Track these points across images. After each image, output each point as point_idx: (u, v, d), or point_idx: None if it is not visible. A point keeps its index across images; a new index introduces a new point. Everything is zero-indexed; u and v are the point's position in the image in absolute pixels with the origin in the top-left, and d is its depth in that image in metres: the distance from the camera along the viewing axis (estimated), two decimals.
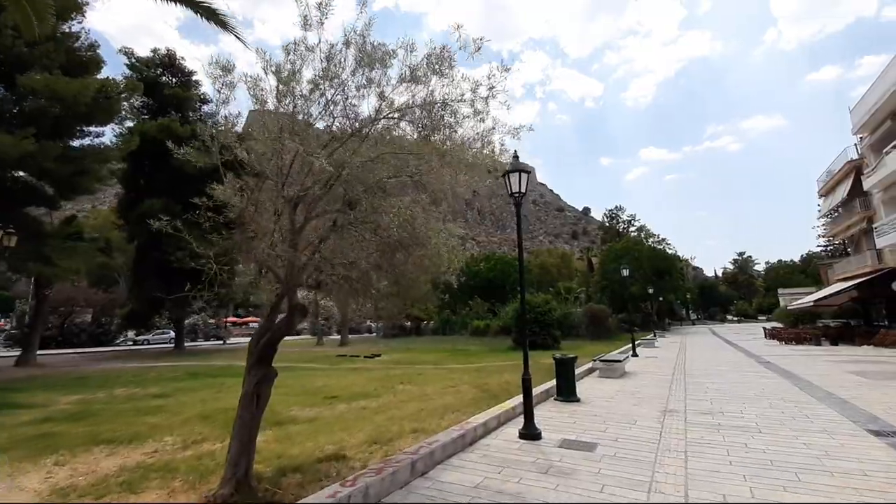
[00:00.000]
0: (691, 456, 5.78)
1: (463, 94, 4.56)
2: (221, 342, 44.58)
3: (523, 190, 7.16)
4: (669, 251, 54.67)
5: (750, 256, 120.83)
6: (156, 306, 29.88)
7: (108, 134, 44.23)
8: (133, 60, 31.07)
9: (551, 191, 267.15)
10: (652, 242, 55.34)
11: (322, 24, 4.32)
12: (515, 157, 6.95)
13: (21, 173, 19.93)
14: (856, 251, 31.58)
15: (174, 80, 32.66)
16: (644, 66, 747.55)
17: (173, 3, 6.60)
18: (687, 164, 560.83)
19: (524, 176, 7.10)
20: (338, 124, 4.67)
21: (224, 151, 4.41)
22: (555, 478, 5.04)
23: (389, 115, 4.55)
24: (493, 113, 4.75)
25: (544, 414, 8.32)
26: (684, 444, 6.36)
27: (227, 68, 4.39)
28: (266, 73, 4.44)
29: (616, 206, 74.21)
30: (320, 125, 4.72)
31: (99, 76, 21.57)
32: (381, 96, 4.47)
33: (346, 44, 4.41)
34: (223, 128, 4.65)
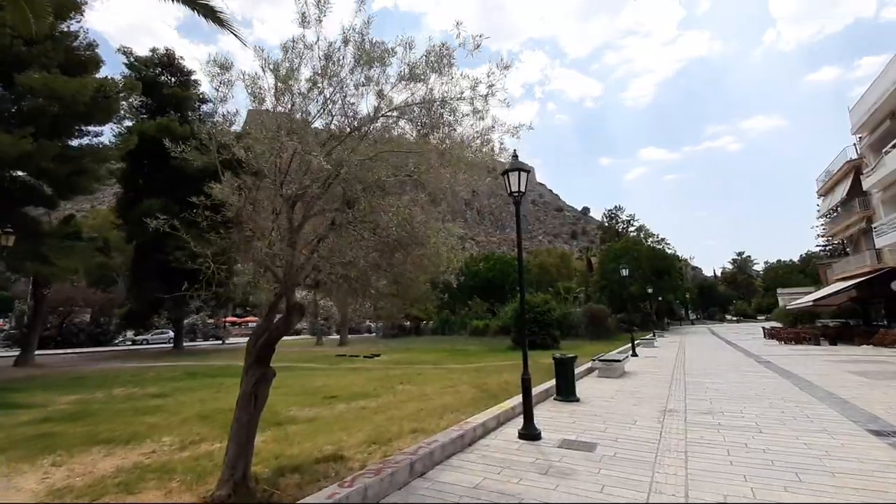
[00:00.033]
0: (691, 456, 5.76)
1: (462, 92, 4.54)
2: (220, 342, 44.53)
3: (523, 189, 7.13)
4: (669, 251, 54.68)
5: (749, 256, 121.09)
6: (155, 306, 29.88)
7: (106, 133, 44.15)
8: (132, 60, 31.03)
9: (550, 191, 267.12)
10: (651, 242, 55.36)
11: (320, 21, 4.30)
12: (515, 156, 6.93)
13: (19, 173, 19.89)
14: (855, 251, 31.61)
15: (173, 79, 32.62)
16: (643, 66, 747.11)
17: (171, 2, 6.58)
18: (686, 164, 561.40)
19: (523, 175, 7.08)
20: (336, 123, 4.65)
21: (222, 150, 4.38)
22: (554, 478, 5.02)
23: (388, 114, 4.53)
24: (492, 111, 4.74)
25: (544, 414, 8.30)
26: (684, 444, 6.34)
27: (224, 66, 4.36)
28: (264, 72, 4.42)
29: (615, 206, 74.21)
30: (319, 124, 4.69)
31: (98, 75, 21.56)
32: (380, 94, 4.45)
33: (345, 42, 4.39)
34: (221, 126, 4.62)
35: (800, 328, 30.50)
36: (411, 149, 4.61)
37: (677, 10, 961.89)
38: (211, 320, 50.59)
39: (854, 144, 29.26)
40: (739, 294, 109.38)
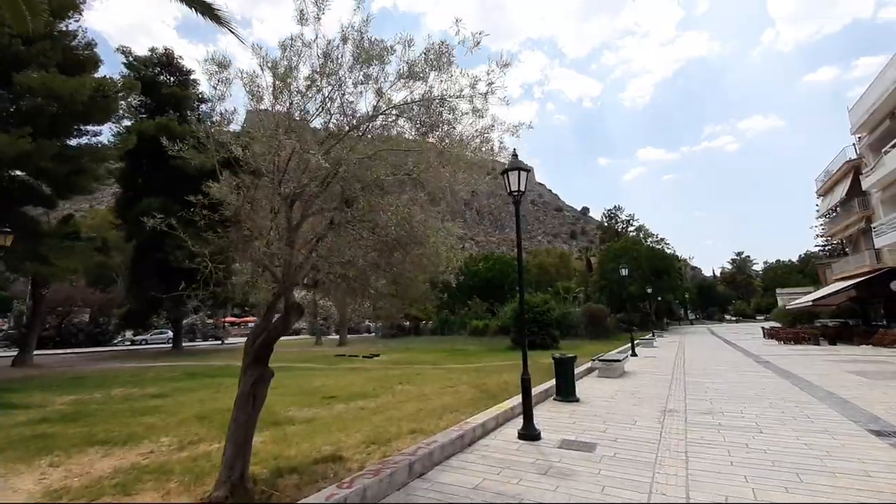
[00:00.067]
0: (692, 456, 5.74)
1: (462, 90, 4.51)
2: (220, 342, 44.51)
3: (522, 188, 7.10)
4: (668, 251, 54.72)
5: (748, 256, 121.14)
6: (154, 306, 29.85)
7: (105, 133, 44.11)
8: (131, 59, 31.00)
9: (550, 191, 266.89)
10: (650, 242, 55.37)
11: (319, 19, 4.27)
12: (514, 155, 6.89)
13: (18, 172, 19.85)
14: (854, 251, 31.62)
15: (172, 79, 32.59)
16: (642, 66, 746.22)
17: (170, 0, 6.54)
18: (685, 164, 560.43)
19: (523, 174, 7.05)
20: (335, 121, 4.62)
21: (220, 149, 4.35)
22: (554, 479, 4.99)
23: (387, 112, 4.50)
24: (491, 110, 4.72)
25: (543, 414, 8.27)
26: (684, 444, 6.32)
27: (223, 64, 4.33)
28: (262, 70, 4.39)
29: (614, 206, 74.16)
30: (317, 122, 4.67)
31: (96, 75, 21.51)
32: (379, 93, 4.42)
33: (344, 40, 4.35)
34: (219, 125, 4.59)
35: (799, 328, 30.49)
36: (410, 147, 4.58)
37: (676, 11, 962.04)
38: (210, 320, 50.57)
39: (853, 144, 29.28)
40: (738, 294, 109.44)
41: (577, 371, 10.85)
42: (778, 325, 38.69)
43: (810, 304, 29.78)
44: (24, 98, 18.88)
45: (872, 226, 25.96)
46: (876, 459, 5.44)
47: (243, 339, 5.37)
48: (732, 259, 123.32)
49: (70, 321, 37.30)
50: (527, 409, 6.86)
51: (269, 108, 4.51)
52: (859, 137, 28.11)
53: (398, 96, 4.52)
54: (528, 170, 7.24)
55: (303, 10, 4.26)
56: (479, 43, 4.24)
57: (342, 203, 4.47)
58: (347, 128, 4.53)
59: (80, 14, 21.05)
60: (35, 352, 22.75)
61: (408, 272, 4.81)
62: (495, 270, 50.48)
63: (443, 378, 13.18)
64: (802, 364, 15.94)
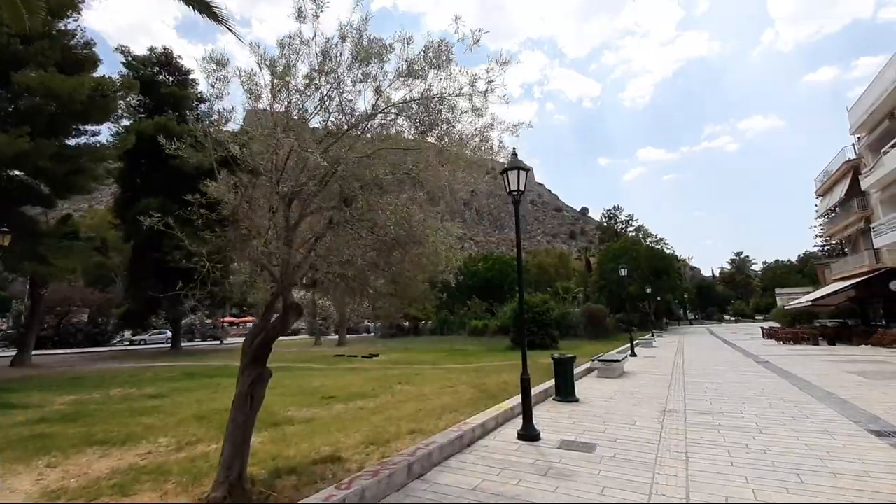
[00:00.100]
0: (692, 457, 5.72)
1: (461, 88, 4.48)
2: (218, 342, 44.48)
3: (522, 188, 7.08)
4: (667, 251, 54.75)
5: (747, 256, 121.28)
6: (152, 306, 29.82)
7: (104, 133, 43.98)
8: (129, 59, 30.94)
9: (549, 191, 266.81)
10: (650, 242, 55.39)
11: (317, 16, 4.24)
12: (514, 154, 6.86)
13: (16, 172, 19.81)
14: (853, 251, 31.63)
15: (171, 78, 32.57)
16: (642, 66, 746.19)
17: None
18: (685, 164, 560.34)
19: (523, 173, 7.03)
20: (333, 120, 4.59)
21: (218, 147, 4.33)
22: (554, 480, 4.97)
23: (386, 111, 4.48)
24: (491, 109, 4.69)
25: (543, 414, 8.26)
26: (684, 444, 6.30)
27: (220, 62, 4.30)
28: (261, 68, 4.36)
29: (614, 206, 74.24)
30: (316, 121, 4.65)
31: (95, 74, 21.48)
32: (378, 91, 4.39)
33: (342, 38, 4.33)
34: (217, 124, 4.57)
35: (798, 328, 30.51)
36: (409, 146, 4.56)
37: (676, 11, 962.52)
38: (209, 320, 50.52)
39: (852, 144, 29.30)
40: (738, 294, 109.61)
41: (576, 371, 10.83)
42: (777, 325, 38.72)
43: (809, 304, 29.80)
44: (22, 97, 18.85)
45: (871, 226, 25.99)
46: (876, 460, 5.43)
47: (242, 339, 5.34)
48: (731, 259, 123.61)
49: (69, 321, 37.28)
50: (526, 410, 6.84)
51: (268, 107, 4.49)
52: (858, 137, 28.13)
53: (397, 95, 4.51)
54: (528, 169, 7.22)
55: (301, 7, 4.23)
56: (478, 40, 4.21)
57: (341, 202, 4.44)
58: (346, 126, 4.51)
59: (79, 13, 21.01)
60: (33, 352, 22.72)
61: (407, 272, 4.79)
62: (494, 270, 50.50)
63: (442, 378, 13.16)
64: (802, 364, 15.93)
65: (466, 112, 4.61)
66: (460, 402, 9.10)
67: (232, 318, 62.89)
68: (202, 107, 32.73)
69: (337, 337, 39.14)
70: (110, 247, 29.27)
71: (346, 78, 4.43)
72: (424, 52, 4.33)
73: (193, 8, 6.34)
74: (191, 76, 33.28)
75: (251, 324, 58.38)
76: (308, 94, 4.43)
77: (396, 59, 4.41)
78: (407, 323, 50.32)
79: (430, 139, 4.61)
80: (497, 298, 45.64)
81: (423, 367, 16.90)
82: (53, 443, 6.59)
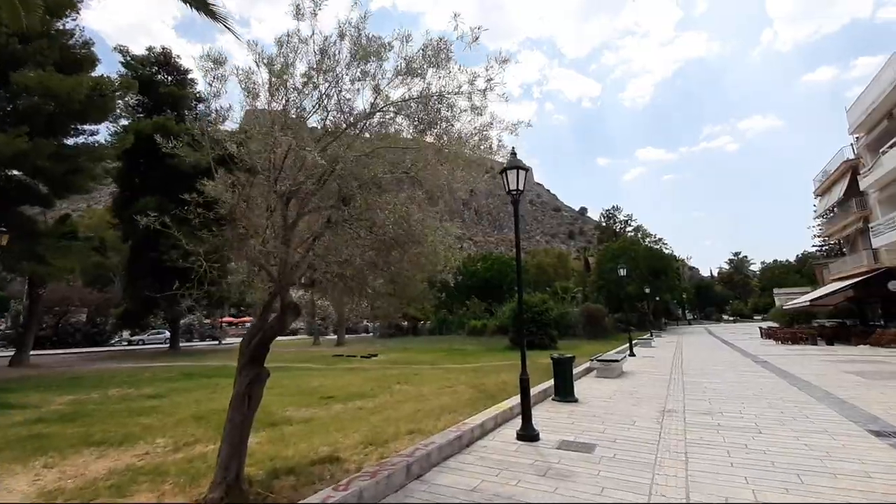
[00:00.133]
0: (691, 457, 5.71)
1: (460, 87, 4.46)
2: (217, 342, 44.43)
3: (521, 187, 7.06)
4: (666, 251, 54.82)
5: (745, 256, 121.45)
6: (151, 306, 29.74)
7: (102, 132, 44.00)
8: (128, 58, 30.85)
9: (548, 191, 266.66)
10: (648, 242, 55.44)
11: (315, 14, 4.22)
12: (513, 153, 6.84)
13: (15, 172, 19.76)
14: (852, 251, 31.65)
15: (170, 78, 32.47)
16: (641, 66, 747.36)
17: None
18: (684, 164, 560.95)
19: (522, 173, 7.01)
20: (332, 118, 4.56)
21: (215, 146, 4.30)
22: (553, 480, 4.96)
23: (385, 109, 4.45)
24: (490, 108, 4.67)
25: (542, 414, 8.24)
26: (684, 444, 6.28)
27: (218, 61, 4.27)
28: (259, 66, 4.33)
29: (613, 206, 74.25)
30: (314, 120, 4.62)
31: (94, 74, 21.43)
32: (377, 90, 4.37)
33: (341, 36, 4.30)
34: (214, 122, 4.54)
35: (796, 328, 30.55)
36: (408, 145, 4.54)
37: (675, 11, 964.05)
38: (207, 320, 50.45)
39: (851, 144, 29.33)
40: (736, 294, 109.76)
41: (575, 371, 10.82)
42: (775, 325, 38.79)
43: (808, 304, 29.83)
44: (20, 97, 18.81)
45: (870, 226, 26.02)
46: (877, 460, 5.41)
47: (241, 339, 5.29)
48: (730, 259, 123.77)
49: (67, 321, 37.22)
50: (525, 410, 6.82)
51: (266, 106, 4.46)
52: (857, 137, 28.16)
53: (396, 93, 4.48)
54: (527, 169, 7.20)
55: (299, 4, 4.20)
56: (477, 38, 4.18)
57: (339, 201, 4.42)
58: (344, 125, 4.49)
59: (78, 13, 20.95)
60: (32, 352, 22.68)
61: (406, 271, 4.77)
62: (493, 270, 50.49)
63: (441, 378, 13.14)
64: (800, 364, 15.93)
65: (465, 111, 4.59)
66: (459, 402, 9.07)
67: (231, 318, 62.81)
68: (201, 106, 32.70)
69: (336, 337, 39.13)
70: (109, 246, 29.25)
71: (344, 76, 4.40)
72: (423, 50, 4.31)
73: (191, 6, 6.31)
74: (189, 76, 33.21)
75: (250, 324, 58.40)
76: (306, 92, 4.40)
77: (395, 58, 4.39)
78: (406, 323, 50.29)
79: (429, 138, 4.59)
80: (496, 298, 45.65)
81: (422, 367, 16.87)
82: (51, 443, 6.56)
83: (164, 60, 32.37)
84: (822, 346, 23.76)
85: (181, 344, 34.87)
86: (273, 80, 4.29)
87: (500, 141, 5.06)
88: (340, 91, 4.43)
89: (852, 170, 28.53)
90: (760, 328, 35.90)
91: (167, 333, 37.45)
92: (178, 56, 33.14)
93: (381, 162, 4.33)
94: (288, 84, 4.33)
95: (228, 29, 6.33)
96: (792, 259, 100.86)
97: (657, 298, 49.69)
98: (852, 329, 26.61)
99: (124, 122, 28.21)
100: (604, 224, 75.62)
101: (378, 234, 4.38)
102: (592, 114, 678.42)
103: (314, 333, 42.07)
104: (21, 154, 17.01)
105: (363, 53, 4.25)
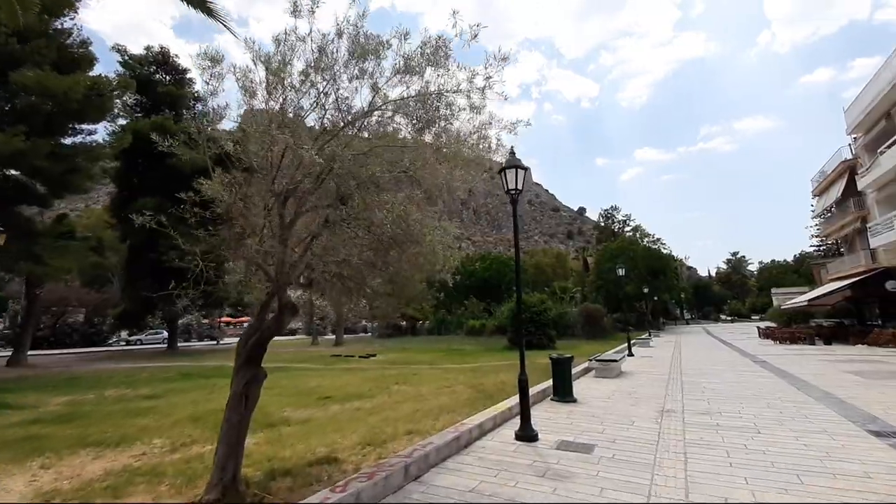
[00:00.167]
0: (691, 457, 5.69)
1: (459, 85, 4.43)
2: (215, 342, 44.38)
3: (520, 187, 7.03)
4: (664, 251, 54.72)
5: (743, 256, 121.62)
6: (148, 306, 29.65)
7: (100, 132, 43.72)
8: (126, 58, 30.78)
9: (547, 191, 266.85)
10: (647, 242, 55.33)
11: (313, 12, 4.19)
12: (512, 152, 6.83)
13: (12, 171, 19.73)
14: (849, 251, 31.68)
15: (168, 77, 32.40)
16: (639, 66, 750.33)
17: None
18: (681, 164, 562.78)
19: (521, 172, 6.98)
20: (330, 117, 4.54)
21: (212, 145, 4.28)
22: (552, 481, 4.94)
23: (383, 107, 4.43)
24: (489, 107, 4.68)
25: (541, 414, 8.22)
26: (683, 445, 6.27)
27: (215, 59, 4.25)
28: (256, 65, 4.30)
29: (611, 207, 74.15)
30: (312, 118, 4.59)
31: (92, 73, 21.38)
32: (375, 88, 4.35)
33: (339, 34, 4.28)
34: (211, 121, 4.51)
35: (794, 328, 30.56)
36: (406, 144, 4.51)
37: (673, 12, 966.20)
38: (205, 320, 50.35)
39: (849, 145, 29.36)
40: (734, 294, 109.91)
41: (574, 371, 10.81)
42: (773, 324, 38.81)
43: (806, 303, 29.86)
44: (18, 96, 18.78)
45: (868, 226, 26.04)
46: (877, 460, 5.40)
47: (238, 339, 5.27)
48: (728, 259, 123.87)
49: (65, 321, 37.16)
50: (524, 410, 6.80)
51: (263, 105, 4.43)
52: (855, 138, 28.19)
53: (394, 92, 4.46)
54: (526, 168, 7.17)
55: (296, 1, 4.18)
56: (476, 35, 4.16)
57: (337, 200, 4.39)
58: (342, 124, 4.46)
59: (76, 12, 20.92)
60: (29, 352, 22.63)
61: (404, 271, 4.74)
62: (492, 270, 50.45)
63: (439, 378, 13.11)
64: (798, 364, 15.93)
65: (464, 109, 4.57)
66: (457, 402, 9.05)
67: (228, 318, 62.64)
68: (199, 106, 32.62)
69: (334, 337, 39.09)
70: (107, 247, 29.20)
71: (342, 75, 4.38)
72: (422, 48, 4.28)
73: (188, 4, 6.28)
74: (188, 75, 33.12)
75: (247, 324, 58.24)
76: (304, 90, 4.38)
77: (394, 56, 4.36)
78: (404, 323, 50.21)
79: (428, 137, 4.57)
80: (494, 298, 45.64)
81: (421, 367, 16.84)
82: (48, 444, 6.52)
83: (162, 60, 32.30)
84: (820, 346, 23.77)
85: (179, 344, 34.82)
86: (270, 78, 4.26)
87: (498, 140, 5.05)
88: (338, 89, 4.41)
89: (850, 170, 28.55)
90: (758, 328, 35.91)
91: (165, 333, 37.37)
92: (176, 55, 33.11)
93: (379, 161, 4.30)
94: (285, 82, 4.30)
95: (226, 26, 6.30)
96: (790, 259, 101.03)
97: (655, 298, 49.66)
98: (850, 329, 26.62)
99: (122, 121, 28.14)
100: (602, 224, 75.57)
101: (376, 233, 4.36)
102: (591, 114, 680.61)
103: (312, 333, 42.05)
104: (19, 153, 16.98)
105: (361, 51, 4.23)
